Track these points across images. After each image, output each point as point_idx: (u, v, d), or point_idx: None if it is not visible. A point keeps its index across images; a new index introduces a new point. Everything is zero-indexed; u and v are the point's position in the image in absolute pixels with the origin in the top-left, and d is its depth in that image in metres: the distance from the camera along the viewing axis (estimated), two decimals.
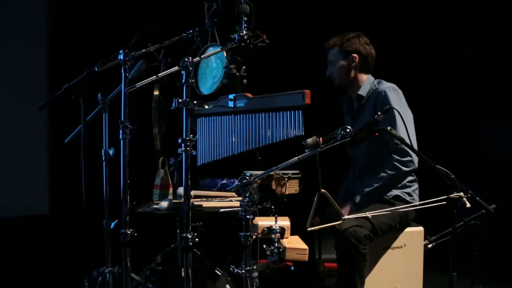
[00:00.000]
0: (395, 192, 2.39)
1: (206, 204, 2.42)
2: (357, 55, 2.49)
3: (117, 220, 2.14)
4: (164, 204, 2.35)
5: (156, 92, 2.40)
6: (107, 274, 2.21)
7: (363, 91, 2.50)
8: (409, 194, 2.43)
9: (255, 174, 1.89)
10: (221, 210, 2.28)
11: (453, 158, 4.02)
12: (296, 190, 2.61)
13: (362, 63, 2.50)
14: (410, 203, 2.38)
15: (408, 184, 2.44)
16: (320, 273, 2.89)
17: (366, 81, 2.51)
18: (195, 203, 2.38)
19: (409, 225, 2.37)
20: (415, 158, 2.29)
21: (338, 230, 2.13)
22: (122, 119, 1.98)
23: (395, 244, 2.30)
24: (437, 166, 1.99)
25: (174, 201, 2.42)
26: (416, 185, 2.47)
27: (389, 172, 2.30)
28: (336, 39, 2.53)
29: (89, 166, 2.14)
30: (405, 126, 2.12)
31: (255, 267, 1.82)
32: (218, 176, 2.79)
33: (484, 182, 3.90)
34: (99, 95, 2.20)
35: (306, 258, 2.10)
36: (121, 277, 2.05)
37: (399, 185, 2.40)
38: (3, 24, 4.30)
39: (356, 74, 2.51)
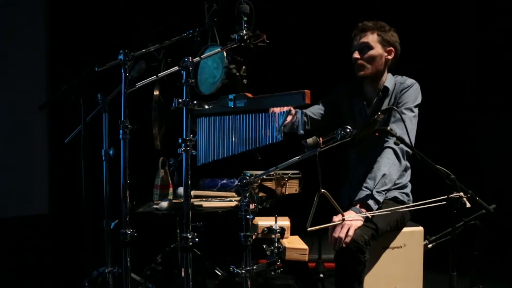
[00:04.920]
0: (394, 193, 2.38)
1: (206, 204, 2.42)
2: (393, 49, 2.39)
3: (117, 220, 2.14)
4: (164, 204, 2.36)
5: (156, 92, 2.40)
6: (107, 274, 2.21)
7: (389, 84, 2.39)
8: (406, 195, 2.43)
9: (255, 174, 1.89)
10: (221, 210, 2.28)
11: (453, 158, 4.02)
12: (296, 190, 2.62)
13: (393, 59, 2.41)
14: (408, 204, 2.38)
15: (406, 184, 2.44)
16: (320, 273, 2.90)
17: (389, 76, 2.42)
18: (195, 203, 2.38)
19: (404, 226, 2.36)
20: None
21: None
22: (122, 119, 1.98)
23: (394, 244, 2.30)
24: (437, 166, 1.99)
25: (174, 201, 2.42)
26: (410, 185, 2.46)
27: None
28: (375, 24, 2.37)
29: (89, 166, 2.14)
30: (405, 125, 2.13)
31: (255, 267, 1.82)
32: (218, 176, 2.79)
33: (484, 182, 3.90)
34: (99, 95, 2.20)
35: (306, 258, 2.11)
36: (121, 277, 2.05)
37: (399, 185, 2.40)
38: (3, 24, 4.30)
39: (385, 68, 2.41)
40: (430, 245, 2.34)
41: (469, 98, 4.30)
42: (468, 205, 1.95)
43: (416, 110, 2.34)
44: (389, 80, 2.41)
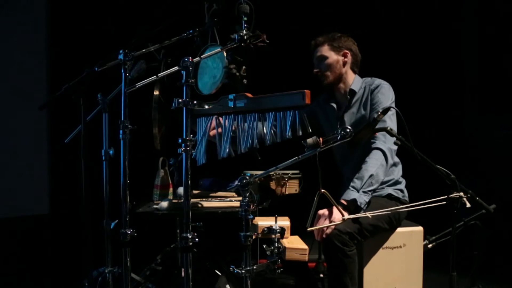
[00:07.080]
0: (388, 190, 2.39)
1: (206, 204, 2.42)
2: (348, 51, 2.51)
3: (117, 220, 2.14)
4: (164, 204, 2.35)
5: (156, 92, 2.40)
6: (107, 274, 2.21)
7: (355, 86, 2.49)
8: (401, 191, 2.44)
9: (255, 174, 1.89)
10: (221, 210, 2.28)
11: (452, 157, 4.02)
12: (296, 190, 2.61)
13: (353, 60, 2.53)
14: (403, 200, 2.40)
15: (399, 180, 2.45)
16: (320, 273, 2.90)
17: (356, 79, 2.53)
18: (195, 203, 2.38)
19: (400, 225, 2.36)
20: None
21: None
22: (122, 119, 1.98)
23: (394, 244, 2.30)
24: (437, 166, 1.99)
25: (174, 201, 2.41)
26: (404, 180, 2.48)
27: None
28: (325, 37, 2.53)
29: (89, 166, 2.14)
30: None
31: (255, 267, 1.82)
32: (218, 176, 2.79)
33: (484, 182, 3.90)
34: (99, 95, 2.20)
35: (306, 258, 2.10)
36: (121, 277, 2.05)
37: (391, 181, 2.41)
38: (3, 24, 4.30)
39: (347, 70, 2.52)
40: (430, 245, 2.34)
41: (470, 98, 4.30)
42: (468, 205, 1.95)
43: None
44: (356, 82, 2.52)
